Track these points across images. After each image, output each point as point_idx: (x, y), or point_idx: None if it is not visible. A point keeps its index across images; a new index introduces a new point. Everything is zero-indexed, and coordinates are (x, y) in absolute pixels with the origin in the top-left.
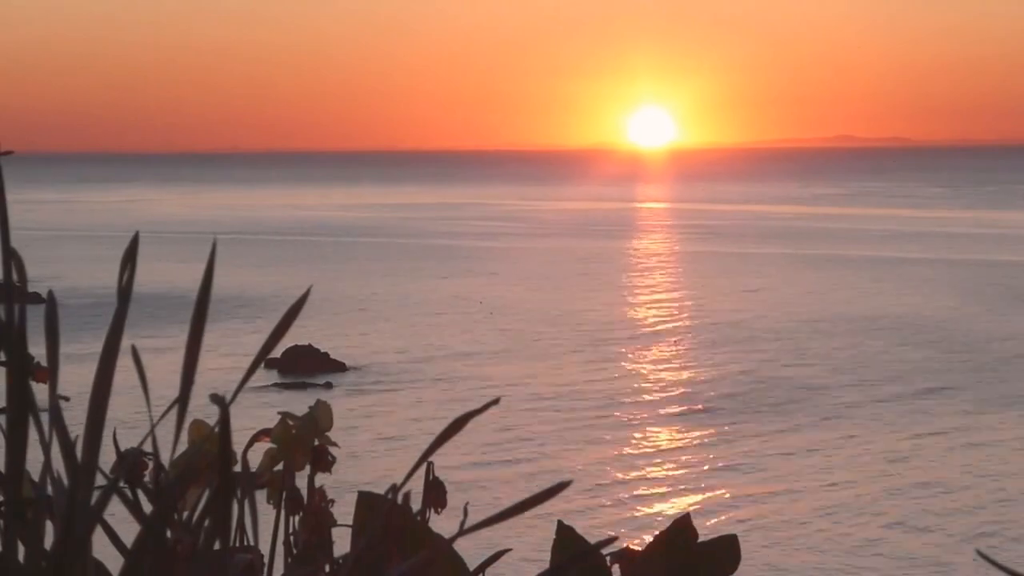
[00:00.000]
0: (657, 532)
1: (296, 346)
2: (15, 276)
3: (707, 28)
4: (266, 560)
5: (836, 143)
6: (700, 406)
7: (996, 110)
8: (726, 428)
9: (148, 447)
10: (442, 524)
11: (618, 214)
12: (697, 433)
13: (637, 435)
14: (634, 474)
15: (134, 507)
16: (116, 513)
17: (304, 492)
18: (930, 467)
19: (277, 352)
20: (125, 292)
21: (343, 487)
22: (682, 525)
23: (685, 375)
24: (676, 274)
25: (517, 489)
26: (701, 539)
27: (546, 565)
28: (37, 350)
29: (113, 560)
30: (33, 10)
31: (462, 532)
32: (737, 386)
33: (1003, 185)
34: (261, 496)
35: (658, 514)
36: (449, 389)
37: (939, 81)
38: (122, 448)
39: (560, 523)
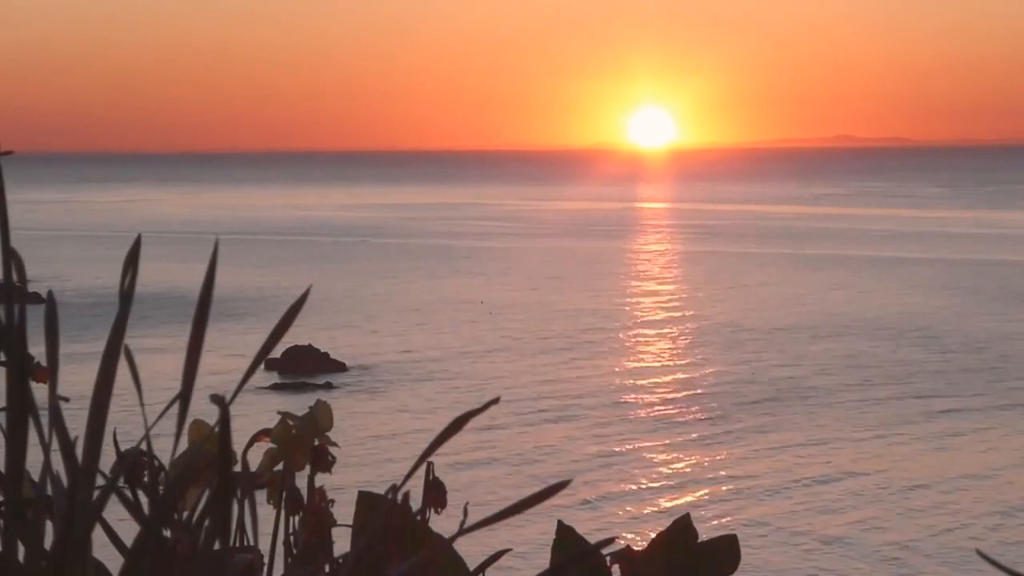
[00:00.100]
0: (657, 532)
1: (296, 346)
2: (15, 276)
3: (707, 28)
4: (266, 560)
5: (836, 143)
6: (701, 406)
7: (996, 110)
8: (727, 428)
9: (146, 447)
10: (442, 524)
11: (618, 214)
12: (698, 433)
13: (637, 434)
14: (635, 473)
15: (134, 507)
16: (116, 513)
17: (304, 492)
18: (930, 467)
19: (277, 352)
20: (127, 295)
21: (343, 487)
22: (682, 525)
23: (686, 375)
24: (676, 274)
25: (517, 489)
26: (701, 539)
27: (546, 565)
28: (37, 350)
29: (113, 560)
30: (33, 10)
31: (462, 532)
32: (737, 386)
33: (1003, 185)
34: (261, 496)
35: (658, 513)
36: (449, 389)
37: (939, 81)
38: (122, 448)
39: (560, 523)
